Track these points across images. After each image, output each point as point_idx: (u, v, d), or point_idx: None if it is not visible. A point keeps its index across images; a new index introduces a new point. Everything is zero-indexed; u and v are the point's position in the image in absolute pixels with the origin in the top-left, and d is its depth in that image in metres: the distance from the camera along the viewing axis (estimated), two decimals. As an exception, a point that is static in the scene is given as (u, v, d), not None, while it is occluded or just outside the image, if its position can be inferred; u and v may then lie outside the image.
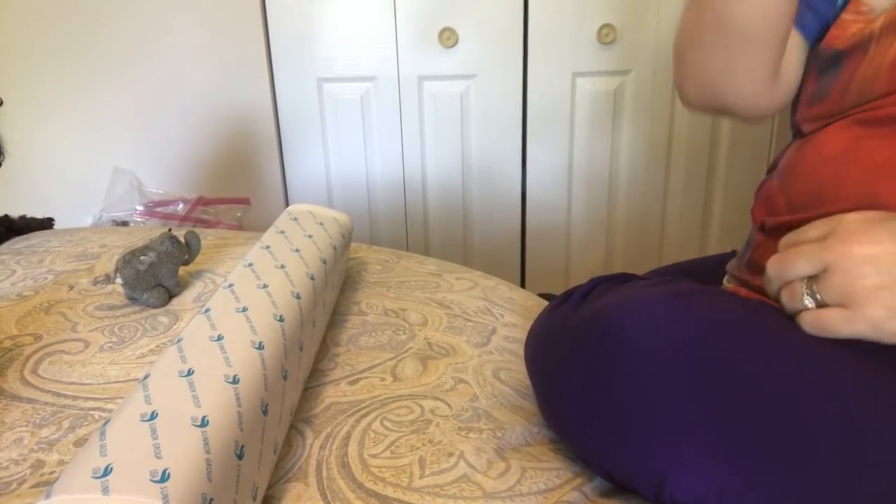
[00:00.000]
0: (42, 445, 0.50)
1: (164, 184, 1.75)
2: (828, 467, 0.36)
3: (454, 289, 0.85)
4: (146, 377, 0.43)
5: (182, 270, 0.80)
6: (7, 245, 0.99)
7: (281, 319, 0.53)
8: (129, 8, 1.60)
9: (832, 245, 0.41)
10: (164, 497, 0.33)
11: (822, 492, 0.36)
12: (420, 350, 0.67)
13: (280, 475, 0.48)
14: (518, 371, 0.65)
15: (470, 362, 0.66)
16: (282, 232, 0.71)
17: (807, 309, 0.42)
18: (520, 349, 0.69)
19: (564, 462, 0.51)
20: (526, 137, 1.70)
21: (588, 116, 1.68)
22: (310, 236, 0.72)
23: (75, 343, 0.66)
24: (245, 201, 1.76)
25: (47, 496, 0.33)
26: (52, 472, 0.47)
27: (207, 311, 0.52)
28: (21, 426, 0.53)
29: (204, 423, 0.38)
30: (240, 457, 0.40)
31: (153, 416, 0.38)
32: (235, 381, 0.43)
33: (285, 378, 0.50)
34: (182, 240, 0.79)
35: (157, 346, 0.66)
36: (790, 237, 0.46)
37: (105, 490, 0.33)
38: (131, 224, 1.69)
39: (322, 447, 0.51)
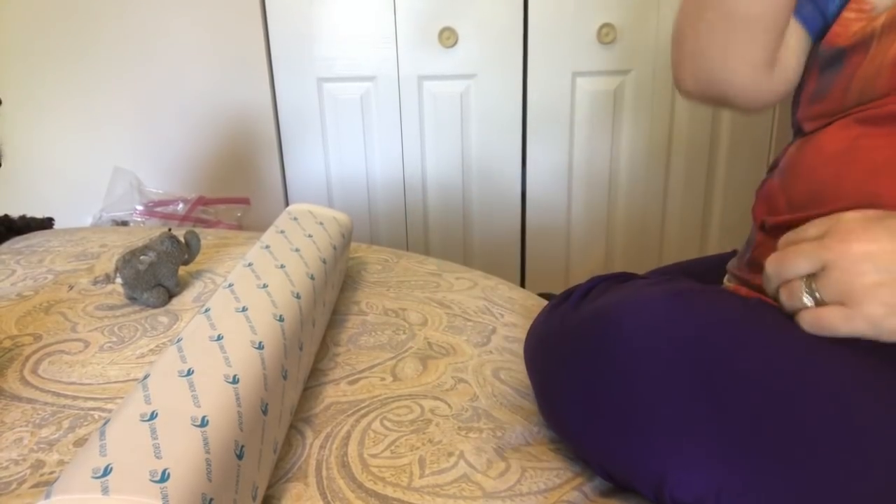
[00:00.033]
0: (42, 445, 0.50)
1: (164, 184, 1.75)
2: (828, 467, 0.36)
3: (454, 288, 0.85)
4: (146, 377, 0.43)
5: (182, 270, 0.80)
6: (7, 245, 0.99)
7: (281, 319, 0.53)
8: (128, 8, 1.60)
9: (830, 243, 0.41)
10: (164, 497, 0.33)
11: (822, 491, 0.36)
12: (420, 350, 0.67)
13: (280, 475, 0.48)
14: (518, 371, 0.65)
15: (470, 362, 0.66)
16: (282, 232, 0.71)
17: (806, 307, 0.42)
18: (520, 349, 0.69)
19: (564, 462, 0.51)
20: (526, 137, 1.70)
21: (588, 116, 1.68)
22: (310, 236, 0.71)
23: (75, 343, 0.66)
24: (245, 201, 1.76)
25: (47, 496, 0.33)
26: (51, 472, 0.47)
27: (207, 310, 0.52)
28: (21, 426, 0.53)
29: (204, 422, 0.38)
30: (240, 457, 0.40)
31: (153, 416, 0.38)
32: (235, 380, 0.43)
33: (285, 378, 0.50)
34: (182, 240, 0.79)
35: (157, 346, 0.66)
36: (789, 236, 0.46)
37: (105, 490, 0.33)
38: (131, 224, 1.69)
39: (322, 447, 0.51)
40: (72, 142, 1.72)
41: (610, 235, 1.79)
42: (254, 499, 0.42)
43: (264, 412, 0.45)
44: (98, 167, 1.72)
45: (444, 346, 0.69)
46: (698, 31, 0.58)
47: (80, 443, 0.51)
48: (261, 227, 1.58)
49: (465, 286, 0.86)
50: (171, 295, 0.77)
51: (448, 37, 1.60)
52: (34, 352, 0.64)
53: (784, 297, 0.44)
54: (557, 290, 0.65)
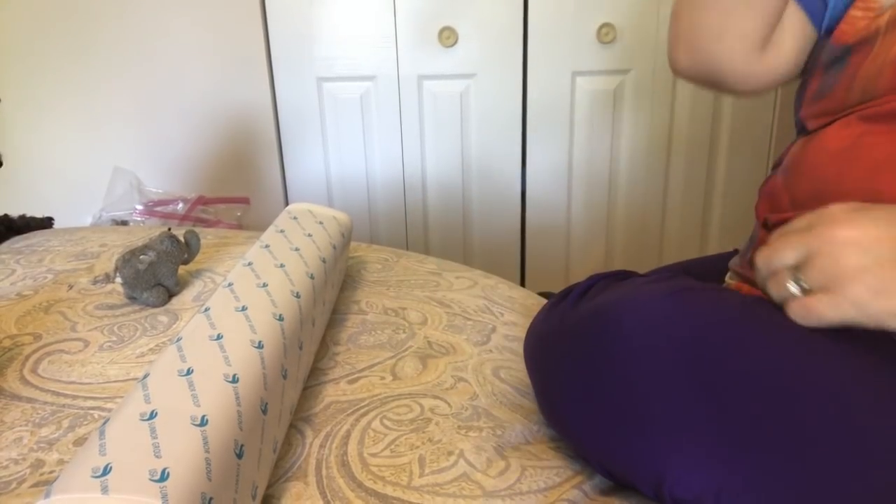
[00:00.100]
0: (42, 445, 0.50)
1: (164, 183, 1.75)
2: (827, 466, 0.36)
3: (454, 287, 0.85)
4: (146, 376, 0.43)
5: (182, 270, 0.80)
6: (7, 244, 0.99)
7: (280, 318, 0.53)
8: (128, 8, 1.60)
9: (815, 231, 0.41)
10: (164, 496, 0.33)
11: (822, 490, 0.36)
12: (420, 349, 0.67)
13: (280, 474, 0.48)
14: (518, 369, 0.65)
15: (470, 361, 0.66)
16: (281, 231, 0.71)
17: (793, 296, 0.42)
18: (519, 347, 0.69)
19: (564, 460, 0.51)
20: (526, 136, 1.70)
21: (588, 115, 1.68)
22: (309, 235, 0.71)
23: (75, 342, 0.66)
24: (245, 201, 1.76)
25: (47, 495, 0.33)
26: (51, 472, 0.47)
27: (207, 310, 0.52)
28: (21, 425, 0.53)
29: (203, 422, 0.38)
30: (239, 456, 0.40)
31: (153, 415, 0.38)
32: (235, 380, 0.43)
33: (285, 377, 0.50)
34: (182, 239, 0.79)
35: (157, 346, 0.66)
36: (779, 230, 0.46)
37: (104, 489, 0.33)
38: (131, 223, 1.69)
39: (322, 446, 0.51)
40: (72, 142, 1.72)
41: (610, 235, 1.79)
42: (253, 498, 0.42)
43: (264, 411, 0.45)
44: (98, 167, 1.72)
45: (444, 345, 0.69)
46: (694, 7, 0.60)
47: (79, 442, 0.51)
48: (261, 227, 1.58)
49: (464, 285, 0.86)
50: (170, 294, 0.77)
51: (448, 36, 1.60)
52: (34, 351, 0.64)
53: (772, 288, 0.44)
54: (557, 289, 0.65)
